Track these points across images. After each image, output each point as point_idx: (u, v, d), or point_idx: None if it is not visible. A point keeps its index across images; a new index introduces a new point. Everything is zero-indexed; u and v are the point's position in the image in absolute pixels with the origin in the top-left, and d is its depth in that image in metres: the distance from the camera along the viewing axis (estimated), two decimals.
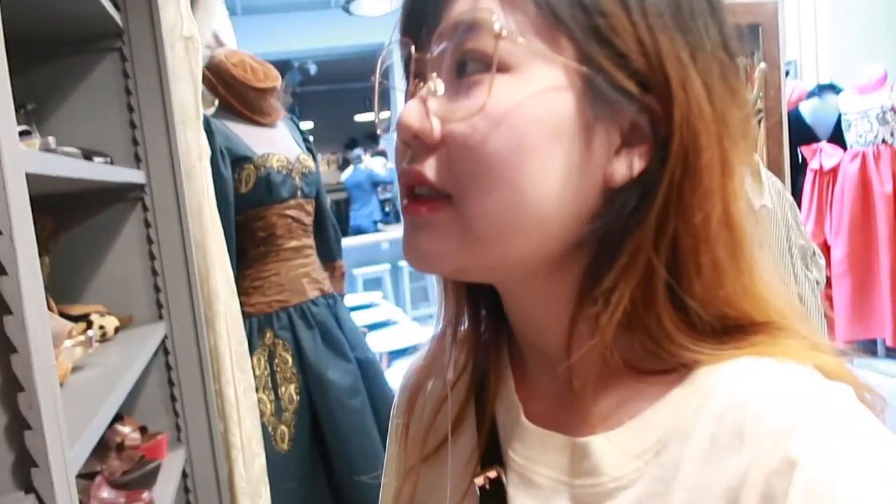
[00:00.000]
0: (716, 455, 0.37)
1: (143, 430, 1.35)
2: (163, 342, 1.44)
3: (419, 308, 6.47)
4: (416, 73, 0.43)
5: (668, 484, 0.39)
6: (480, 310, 0.52)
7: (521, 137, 0.38)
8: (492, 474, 0.46)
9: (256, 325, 1.75)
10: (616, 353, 0.42)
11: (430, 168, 0.41)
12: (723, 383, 0.39)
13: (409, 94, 0.43)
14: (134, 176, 1.32)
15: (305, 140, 1.96)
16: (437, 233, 0.41)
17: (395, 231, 6.90)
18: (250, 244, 1.77)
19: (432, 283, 6.67)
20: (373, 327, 4.39)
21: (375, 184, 7.82)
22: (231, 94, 1.76)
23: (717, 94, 0.39)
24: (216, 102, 1.80)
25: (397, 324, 4.62)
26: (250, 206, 1.74)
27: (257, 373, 1.71)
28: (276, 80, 1.81)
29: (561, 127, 0.38)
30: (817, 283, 1.66)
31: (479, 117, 0.39)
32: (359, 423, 1.78)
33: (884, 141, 3.83)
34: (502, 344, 0.52)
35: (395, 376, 3.18)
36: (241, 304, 1.64)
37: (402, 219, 0.44)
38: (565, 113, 0.39)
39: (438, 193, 0.41)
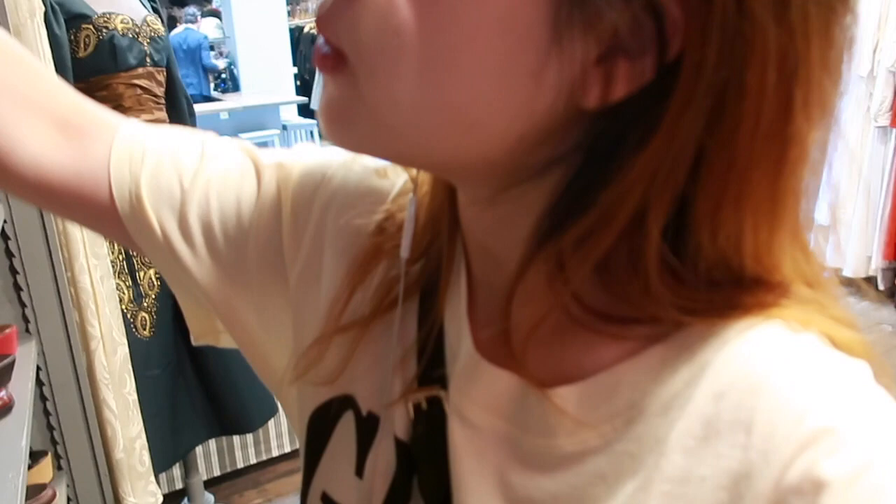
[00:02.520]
0: (711, 445, 0.30)
1: None
2: (2, 227, 1.29)
3: None
4: None
5: (642, 464, 0.32)
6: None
7: (452, 17, 0.28)
8: (432, 394, 0.39)
9: None
10: (581, 300, 0.33)
11: (340, 18, 0.31)
12: (725, 355, 0.31)
13: None
14: None
15: None
16: (346, 109, 0.32)
17: (235, 100, 6.45)
18: None
19: None
20: None
21: (203, 59, 6.94)
22: None
23: (796, 3, 0.27)
24: None
25: None
26: (91, 73, 1.54)
27: (111, 257, 1.58)
28: None
29: (514, 15, 0.28)
30: None
31: None
32: None
33: None
34: (457, 245, 0.41)
35: None
36: None
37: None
38: None
39: (338, 49, 0.31)
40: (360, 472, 0.42)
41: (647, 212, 0.30)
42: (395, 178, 0.45)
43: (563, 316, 0.34)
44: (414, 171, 0.42)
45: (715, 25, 0.26)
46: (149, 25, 1.64)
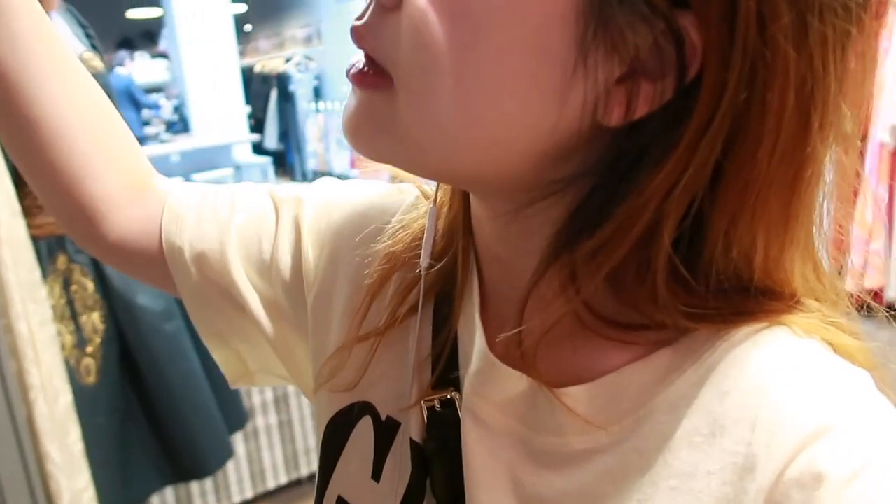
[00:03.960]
0: (717, 442, 0.31)
1: None
2: None
3: None
4: None
5: (650, 461, 0.33)
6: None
7: (482, 36, 0.29)
8: (445, 396, 0.40)
9: (46, 250, 1.54)
10: (591, 307, 0.35)
11: (377, 32, 0.32)
12: (732, 357, 0.32)
13: None
14: None
15: (88, 35, 1.70)
16: (374, 121, 0.33)
17: (186, 141, 6.37)
18: None
19: None
20: None
21: (136, 100, 6.70)
22: None
23: (815, 29, 0.27)
24: None
25: None
26: None
27: (52, 302, 1.52)
28: None
29: (543, 34, 0.29)
30: None
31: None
32: (176, 348, 1.67)
33: None
34: (470, 253, 0.42)
35: None
36: (26, 226, 1.43)
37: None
38: (555, 18, 0.29)
39: (379, 67, 0.33)
40: (377, 475, 0.43)
41: (659, 225, 0.31)
42: (405, 195, 0.49)
43: (574, 322, 0.35)
44: (431, 184, 0.45)
45: (736, 51, 0.27)
46: (86, 63, 1.60)
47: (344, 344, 0.45)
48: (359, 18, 0.33)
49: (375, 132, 0.34)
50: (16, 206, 1.38)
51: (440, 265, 0.43)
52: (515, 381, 0.38)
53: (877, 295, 3.31)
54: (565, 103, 0.31)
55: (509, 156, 0.33)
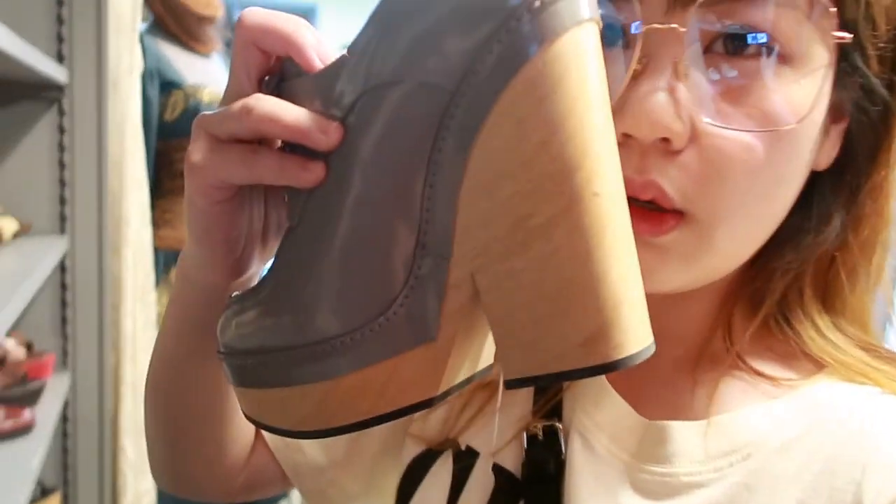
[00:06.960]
0: (826, 480, 0.33)
1: (28, 346, 1.25)
2: (62, 259, 1.34)
3: None
4: (646, 49, 0.32)
5: (757, 495, 0.34)
6: None
7: (800, 148, 0.33)
8: (551, 424, 0.40)
9: (162, 261, 1.65)
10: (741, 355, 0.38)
11: (669, 180, 0.32)
12: (845, 409, 0.35)
13: (635, 74, 0.32)
14: (53, 70, 1.21)
15: None
16: (661, 256, 0.34)
17: None
18: (167, 175, 1.66)
19: None
20: None
21: None
22: (169, 12, 1.65)
23: None
24: (149, 18, 1.69)
25: None
26: (173, 136, 1.64)
27: (158, 309, 1.61)
28: (217, 8, 1.72)
29: (816, 127, 0.34)
30: None
31: (758, 124, 0.32)
32: None
33: None
34: None
35: None
36: (151, 236, 1.55)
37: None
38: (825, 105, 0.33)
39: (669, 209, 0.33)
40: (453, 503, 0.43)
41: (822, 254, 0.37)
42: None
43: (693, 360, 0.39)
44: None
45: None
46: None
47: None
48: (638, 172, 0.33)
49: (686, 270, 0.35)
50: (148, 215, 1.50)
51: None
52: (627, 413, 0.39)
53: None
54: (810, 165, 0.35)
55: (771, 227, 0.36)
